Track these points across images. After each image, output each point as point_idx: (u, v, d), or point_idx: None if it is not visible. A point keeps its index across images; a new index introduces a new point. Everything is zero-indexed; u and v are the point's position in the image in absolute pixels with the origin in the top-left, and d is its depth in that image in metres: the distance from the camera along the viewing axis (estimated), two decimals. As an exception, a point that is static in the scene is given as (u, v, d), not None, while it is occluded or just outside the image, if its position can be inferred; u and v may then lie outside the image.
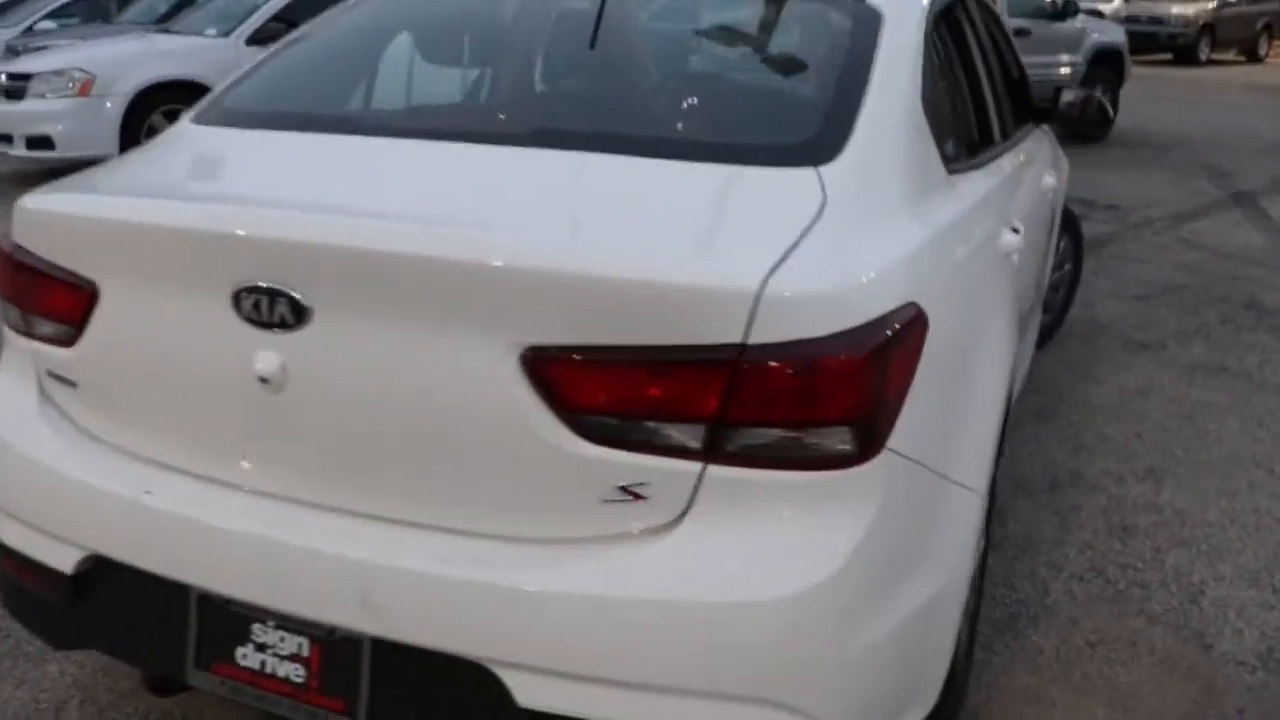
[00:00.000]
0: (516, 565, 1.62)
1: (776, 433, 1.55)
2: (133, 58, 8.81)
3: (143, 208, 1.83)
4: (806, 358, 1.52)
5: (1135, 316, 5.47)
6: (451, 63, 2.60)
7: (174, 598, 1.82)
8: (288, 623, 1.75)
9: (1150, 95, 14.80)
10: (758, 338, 1.50)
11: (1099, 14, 12.59)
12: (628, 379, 1.55)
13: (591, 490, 1.59)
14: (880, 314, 1.60)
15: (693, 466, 1.57)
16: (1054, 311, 4.90)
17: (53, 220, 1.90)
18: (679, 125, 2.12)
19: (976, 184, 2.33)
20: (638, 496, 1.58)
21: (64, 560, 1.93)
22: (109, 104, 8.43)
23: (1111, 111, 4.03)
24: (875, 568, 1.63)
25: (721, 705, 1.58)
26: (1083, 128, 3.98)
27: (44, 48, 10.50)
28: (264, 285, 1.67)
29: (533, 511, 1.64)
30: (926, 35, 2.25)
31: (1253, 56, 21.70)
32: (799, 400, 1.53)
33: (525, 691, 1.61)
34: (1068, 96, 3.84)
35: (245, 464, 1.79)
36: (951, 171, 2.19)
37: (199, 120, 2.34)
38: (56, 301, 1.91)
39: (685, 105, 2.25)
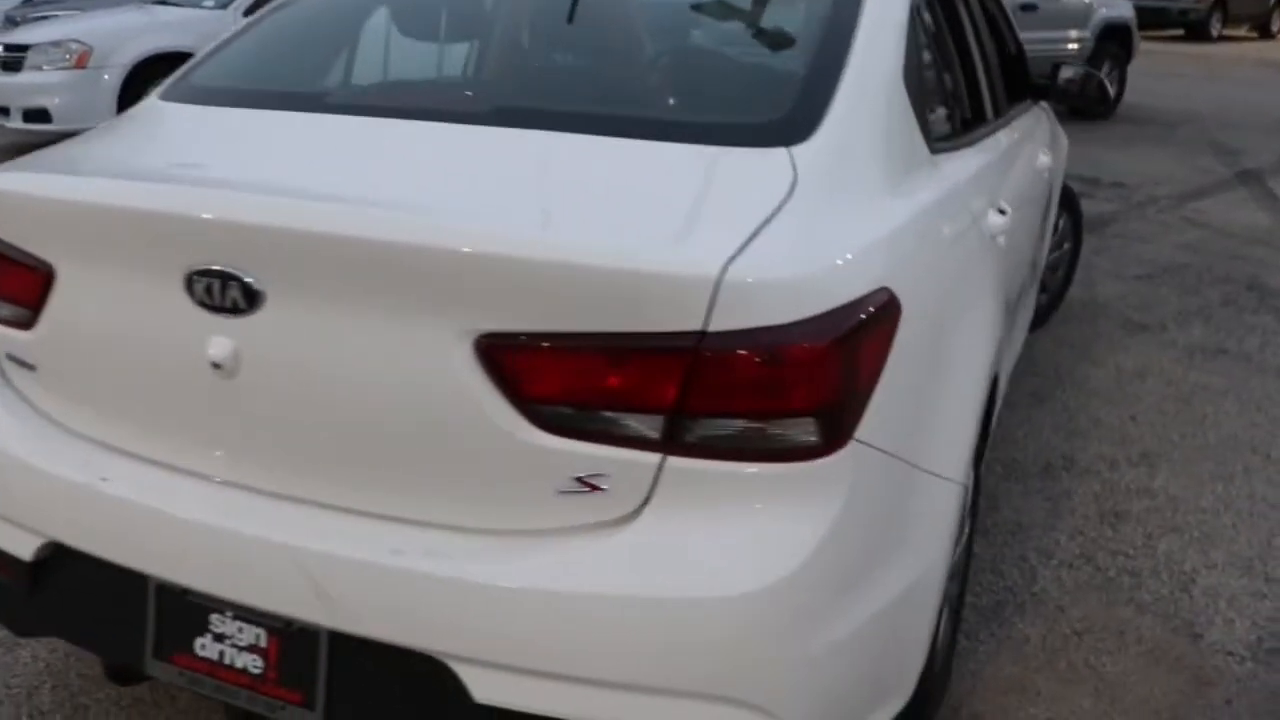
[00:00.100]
0: (470, 557, 1.57)
1: (738, 423, 1.50)
2: (130, 29, 8.73)
3: (94, 188, 1.78)
4: (768, 346, 1.47)
5: (1135, 296, 5.40)
6: (422, 39, 2.53)
7: (132, 587, 1.79)
8: (245, 613, 1.72)
9: (1160, 71, 14.67)
10: (718, 325, 1.45)
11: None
12: (584, 367, 1.50)
13: (547, 481, 1.55)
14: (848, 300, 1.54)
15: (651, 458, 1.52)
16: (1052, 291, 4.84)
17: (7, 200, 1.85)
18: (648, 104, 2.05)
19: (962, 163, 2.27)
20: (595, 488, 1.54)
21: (23, 547, 1.89)
22: (106, 76, 8.37)
23: (1110, 89, 3.94)
24: (842, 562, 1.58)
25: (681, 703, 1.53)
26: (1082, 105, 3.90)
27: (43, 19, 10.43)
28: (215, 268, 1.62)
29: (487, 502, 1.59)
30: (912, 10, 2.18)
31: (1265, 32, 21.48)
32: (761, 390, 1.48)
33: (481, 687, 1.57)
34: (1066, 74, 3.77)
35: (201, 451, 1.76)
36: (935, 151, 2.12)
37: (166, 97, 2.29)
38: (13, 283, 1.87)
39: (656, 83, 2.18)
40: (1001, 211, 2.34)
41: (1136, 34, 11.50)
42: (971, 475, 2.30)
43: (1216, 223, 6.88)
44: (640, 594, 1.51)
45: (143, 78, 8.37)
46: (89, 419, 1.87)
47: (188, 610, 1.76)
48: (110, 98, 8.33)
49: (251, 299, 1.61)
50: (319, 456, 1.66)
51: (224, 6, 8.89)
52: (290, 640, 1.70)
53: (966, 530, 2.42)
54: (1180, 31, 19.94)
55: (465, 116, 1.95)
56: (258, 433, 1.70)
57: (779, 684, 1.54)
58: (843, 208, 1.71)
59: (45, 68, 8.49)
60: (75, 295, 1.80)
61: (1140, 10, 12.00)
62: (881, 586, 1.67)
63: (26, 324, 1.87)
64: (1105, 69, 11.03)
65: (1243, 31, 21.21)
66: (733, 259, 1.46)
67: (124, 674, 2.18)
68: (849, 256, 1.60)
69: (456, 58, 2.55)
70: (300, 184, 1.72)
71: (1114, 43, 11.12)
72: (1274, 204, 7.45)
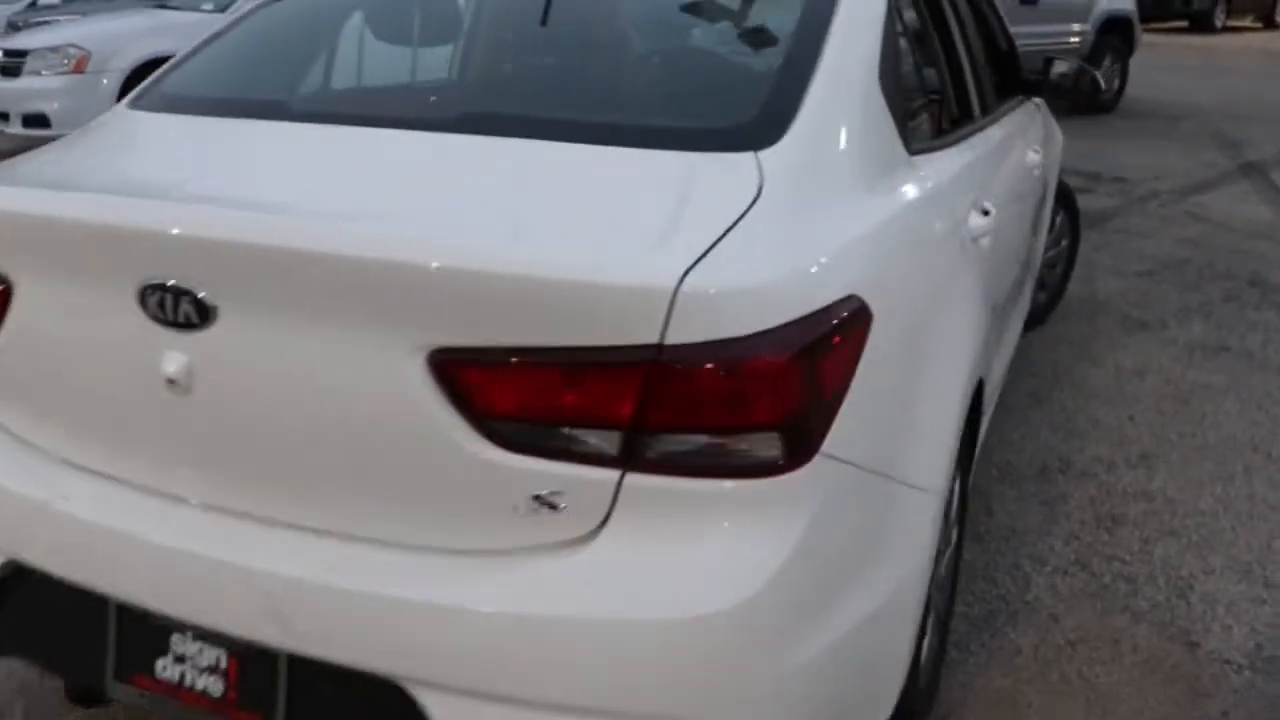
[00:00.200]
0: (426, 578, 1.53)
1: (699, 439, 1.46)
2: (129, 34, 8.71)
3: (49, 200, 1.75)
4: (729, 358, 1.42)
5: (1136, 293, 5.33)
6: (392, 43, 2.49)
7: (93, 607, 1.75)
8: (205, 635, 1.69)
9: (1163, 64, 14.57)
10: (675, 338, 1.40)
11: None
12: (539, 382, 1.46)
13: (504, 499, 1.50)
14: (813, 309, 1.49)
15: (610, 475, 1.47)
16: (1050, 289, 4.78)
17: None
18: (614, 109, 2.00)
19: (943, 164, 2.21)
20: (553, 506, 1.49)
21: None
22: (105, 80, 8.34)
23: (1102, 83, 3.89)
24: (811, 579, 1.53)
25: None
26: (1075, 100, 3.85)
27: (44, 24, 10.42)
28: (167, 283, 1.58)
29: (443, 521, 1.55)
30: (890, 9, 2.13)
31: (1270, 23, 21.36)
32: (722, 404, 1.43)
33: (441, 711, 1.53)
34: (1059, 68, 3.71)
35: (159, 469, 1.72)
36: (914, 152, 2.07)
37: (134, 105, 2.26)
38: None
39: (623, 88, 2.13)
40: (985, 212, 2.29)
41: (1138, 27, 11.42)
42: (955, 484, 2.26)
43: (1218, 217, 6.80)
44: (600, 616, 1.47)
45: (141, 82, 8.35)
46: (50, 435, 1.84)
47: (148, 631, 1.72)
48: (109, 102, 8.27)
49: (204, 314, 1.58)
50: (275, 474, 1.63)
51: (223, 9, 8.84)
52: (250, 662, 1.66)
53: (954, 539, 2.37)
54: (1184, 23, 19.81)
55: (430, 124, 1.91)
56: (214, 450, 1.66)
57: (747, 707, 1.50)
58: (811, 213, 1.65)
59: (44, 73, 8.47)
60: (33, 309, 1.76)
61: (1143, 2, 11.92)
62: (854, 603, 1.63)
63: None
64: (1107, 63, 10.96)
65: (1247, 22, 21.07)
66: (690, 269, 1.41)
67: (86, 695, 2.14)
68: (815, 264, 1.56)
69: (424, 64, 2.51)
70: (254, 195, 1.69)
71: (1115, 36, 11.04)
72: (1277, 197, 7.37)
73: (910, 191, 1.96)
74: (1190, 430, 3.83)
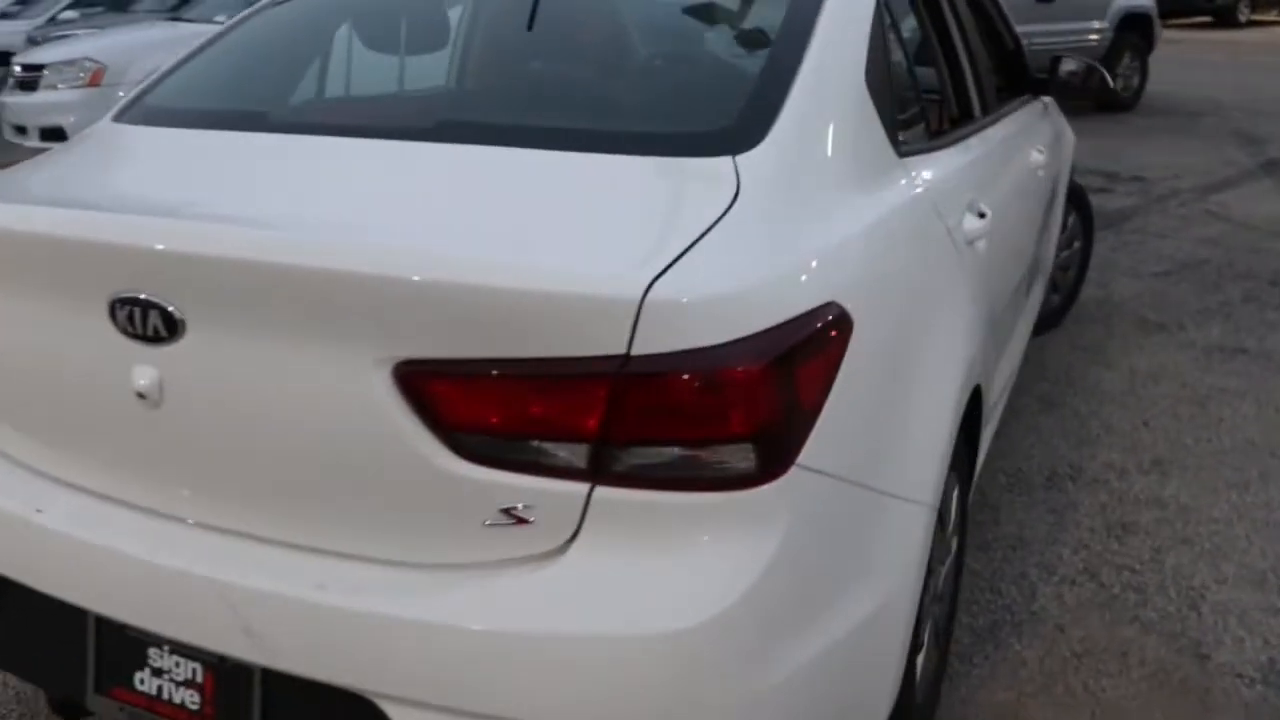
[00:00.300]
0: (395, 592, 1.51)
1: (669, 451, 1.42)
2: (144, 46, 8.74)
3: (21, 215, 1.74)
4: (698, 369, 1.38)
5: (1153, 295, 5.25)
6: (374, 53, 2.47)
7: (72, 620, 1.76)
8: (181, 648, 1.68)
9: (1185, 60, 14.42)
10: (642, 348, 1.36)
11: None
12: (505, 395, 1.43)
13: (473, 512, 1.48)
14: (789, 316, 1.45)
15: (579, 488, 1.44)
16: (1064, 291, 4.71)
17: None
18: (592, 115, 1.96)
19: (935, 166, 2.16)
20: (521, 520, 1.46)
21: None
22: (120, 93, 8.28)
23: (1110, 81, 3.82)
24: (788, 593, 1.49)
25: None
26: (1084, 98, 3.78)
27: (63, 37, 10.49)
28: (136, 296, 1.57)
29: (412, 535, 1.53)
30: (879, 9, 2.08)
31: (1296, 17, 21.09)
32: (692, 416, 1.40)
33: None
34: (1068, 66, 3.66)
35: (132, 482, 1.72)
36: (905, 153, 2.02)
37: (118, 118, 2.25)
38: None
39: (602, 93, 2.09)
40: (981, 214, 2.23)
41: (1158, 23, 11.29)
42: (954, 494, 2.21)
43: (1239, 216, 6.70)
44: (569, 631, 1.43)
45: (156, 94, 8.38)
46: (29, 448, 1.84)
47: (127, 644, 1.73)
48: (124, 115, 8.33)
49: (172, 327, 1.57)
50: (244, 487, 1.62)
51: (236, 21, 8.89)
52: (225, 676, 1.66)
53: (954, 550, 2.31)
54: (1208, 18, 19.61)
55: (403, 133, 1.89)
56: (185, 463, 1.65)
57: None
58: (790, 218, 1.61)
59: (60, 86, 8.53)
60: (10, 322, 1.76)
61: (1167, -3, 11.79)
62: (837, 618, 1.58)
63: None
64: (1126, 60, 10.84)
65: (1272, 16, 20.82)
66: (658, 277, 1.37)
67: (68, 707, 2.15)
68: (792, 270, 1.51)
69: (402, 72, 2.48)
70: (224, 207, 1.69)
71: (1134, 33, 10.91)
72: (1300, 195, 7.26)
73: (898, 194, 1.91)
74: (1206, 435, 3.75)
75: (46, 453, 1.81)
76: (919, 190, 1.99)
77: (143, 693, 1.72)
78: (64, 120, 8.35)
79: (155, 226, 1.58)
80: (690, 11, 2.28)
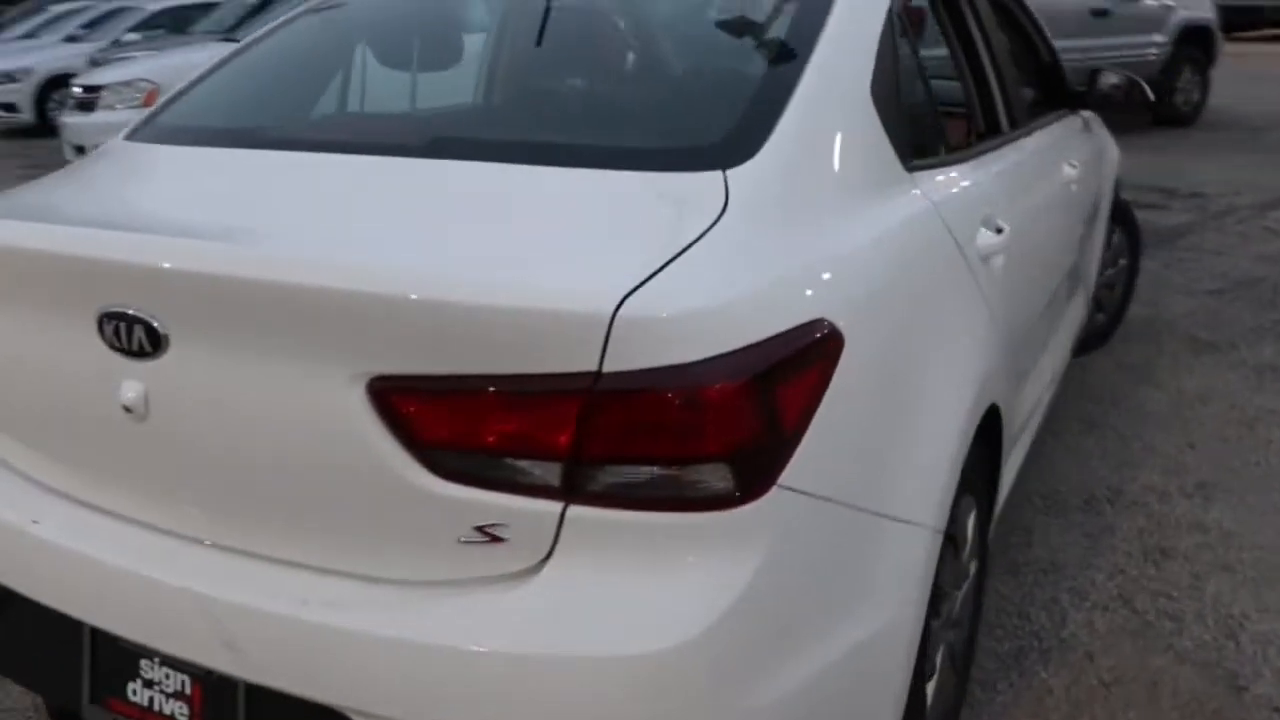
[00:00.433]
0: (372, 609, 1.49)
1: (643, 470, 1.38)
2: (196, 66, 8.90)
3: (17, 230, 1.77)
4: (672, 386, 1.34)
5: (1205, 313, 5.10)
6: (378, 72, 2.48)
7: (69, 630, 1.77)
8: (170, 660, 1.69)
9: (1250, 74, 14.07)
10: (614, 365, 1.33)
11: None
12: (479, 411, 1.40)
13: (448, 530, 1.45)
14: (770, 334, 1.41)
15: (553, 507, 1.41)
16: (1110, 310, 4.59)
17: None
18: (584, 130, 1.93)
19: (946, 180, 2.10)
20: (496, 538, 1.43)
21: None
22: (174, 113, 8.53)
23: (1150, 95, 3.72)
24: (769, 617, 1.45)
25: None
26: (1124, 112, 3.69)
27: (124, 59, 10.75)
28: (122, 311, 1.58)
29: (390, 551, 1.51)
30: (889, 21, 2.03)
31: (1367, 30, 20.54)
32: (666, 434, 1.36)
33: None
34: (1109, 80, 3.57)
35: (121, 495, 1.73)
36: (914, 168, 1.97)
37: (129, 136, 2.28)
38: None
39: (596, 107, 2.06)
40: (998, 230, 2.17)
41: (1219, 36, 11.03)
42: (970, 516, 2.14)
43: (1299, 232, 6.51)
44: (542, 651, 1.41)
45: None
46: (30, 459, 1.86)
47: (120, 655, 1.73)
48: (179, 134, 8.49)
49: (156, 342, 1.57)
50: (227, 502, 1.62)
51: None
52: (211, 689, 1.66)
53: (971, 573, 2.24)
54: (1277, 31, 19.18)
55: (394, 149, 1.89)
56: (170, 477, 1.66)
57: None
58: (780, 233, 1.57)
59: (117, 107, 8.72)
60: (10, 335, 1.78)
61: (1232, 10, 11.55)
62: (829, 641, 1.54)
63: None
64: (1186, 74, 10.62)
65: (1343, 30, 20.29)
66: (632, 293, 1.34)
67: (67, 716, 2.17)
68: (775, 286, 1.47)
69: (400, 90, 2.48)
70: (211, 223, 1.69)
71: (1194, 46, 10.68)
72: (1364, 211, 7.04)
73: (902, 209, 1.86)
74: (1254, 458, 3.62)
75: (44, 464, 1.83)
76: (926, 205, 1.94)
77: (135, 704, 1.73)
78: (121, 140, 8.54)
79: (137, 242, 1.59)
80: (691, 25, 2.25)
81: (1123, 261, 4.60)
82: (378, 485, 1.47)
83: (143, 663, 1.71)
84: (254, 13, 11.45)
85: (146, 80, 8.62)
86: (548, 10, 2.18)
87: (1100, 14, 9.90)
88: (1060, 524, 3.20)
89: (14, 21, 17.65)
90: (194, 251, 1.53)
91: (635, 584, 1.41)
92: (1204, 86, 10.92)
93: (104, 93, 8.81)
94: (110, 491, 1.74)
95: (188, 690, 1.68)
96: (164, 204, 1.89)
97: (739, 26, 2.04)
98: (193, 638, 1.61)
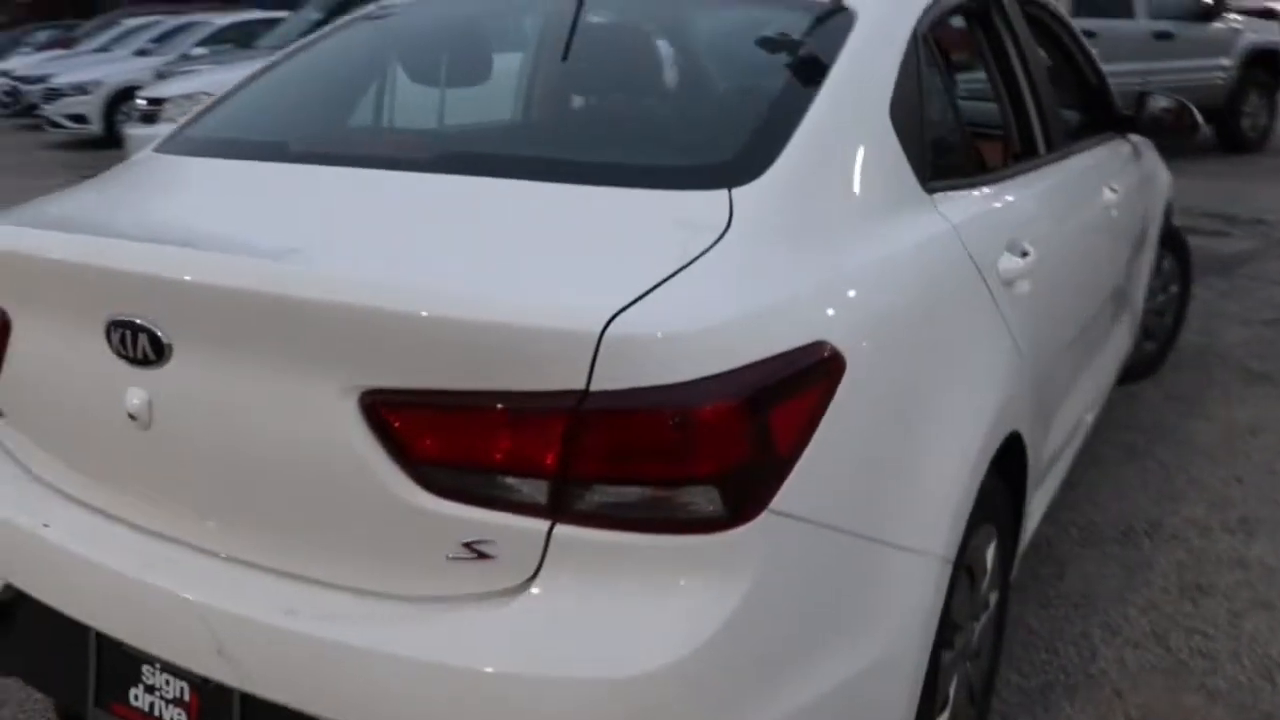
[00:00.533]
0: (361, 622, 1.49)
1: (631, 491, 1.37)
2: (256, 81, 9.07)
3: (34, 238, 1.80)
4: (658, 407, 1.33)
5: (1260, 343, 4.97)
6: (407, 89, 2.49)
7: (76, 633, 1.79)
8: (170, 667, 1.70)
9: (1322, 100, 13.73)
10: (601, 384, 1.32)
11: (1270, 12, 11.60)
12: (467, 427, 1.40)
13: (437, 545, 1.45)
14: (765, 355, 1.39)
15: (539, 525, 1.40)
16: (1159, 338, 4.49)
17: None
18: (592, 147, 1.93)
19: (969, 202, 2.06)
20: (483, 555, 1.43)
21: None
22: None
23: (1200, 120, 3.62)
24: (758, 643, 1.42)
25: None
26: (1174, 138, 3.61)
27: (184, 73, 10.99)
28: (128, 319, 1.60)
29: (380, 564, 1.51)
30: (915, 40, 2.01)
31: None
32: (653, 455, 1.35)
33: None
34: (1158, 103, 3.48)
35: (127, 501, 1.76)
36: (933, 190, 1.93)
37: (160, 149, 2.31)
38: None
39: (605, 124, 2.06)
40: (1024, 254, 2.12)
41: (1289, 60, 10.79)
42: (987, 547, 2.09)
43: (1364, 262, 6.33)
44: (524, 671, 1.39)
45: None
46: (46, 464, 1.89)
47: (123, 660, 1.75)
48: (238, 145, 8.64)
49: (159, 350, 1.59)
50: (224, 510, 1.64)
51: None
52: (208, 696, 1.67)
53: (990, 604, 2.19)
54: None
55: (405, 164, 1.90)
56: (171, 484, 1.68)
57: None
58: (784, 254, 1.55)
59: (179, 119, 8.90)
60: (27, 342, 1.82)
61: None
62: (825, 669, 1.51)
63: None
64: (1253, 99, 10.39)
65: None
66: (622, 311, 1.33)
67: (74, 717, 2.18)
68: (773, 307, 1.45)
69: (429, 105, 2.50)
70: (216, 234, 1.72)
71: (1262, 70, 10.44)
72: None
73: (918, 231, 1.82)
74: (1303, 493, 3.51)
75: (59, 469, 1.86)
76: (945, 227, 1.90)
77: (137, 708, 1.75)
78: (184, 151, 8.71)
79: (140, 251, 1.62)
80: (710, 44, 2.24)
81: (1173, 288, 4.49)
82: (368, 498, 1.47)
83: (144, 668, 1.73)
84: (317, 26, 11.68)
85: (207, 94, 8.72)
86: (573, 30, 2.18)
87: (1164, 36, 9.73)
88: (1095, 555, 3.12)
89: (88, 35, 18.15)
90: (191, 261, 1.55)
91: (622, 605, 1.39)
92: (1271, 111, 10.68)
93: (167, 105, 9.00)
94: (116, 497, 1.76)
95: (186, 697, 1.69)
96: (179, 215, 1.92)
97: (758, 46, 2.02)
98: (189, 645, 1.62)
